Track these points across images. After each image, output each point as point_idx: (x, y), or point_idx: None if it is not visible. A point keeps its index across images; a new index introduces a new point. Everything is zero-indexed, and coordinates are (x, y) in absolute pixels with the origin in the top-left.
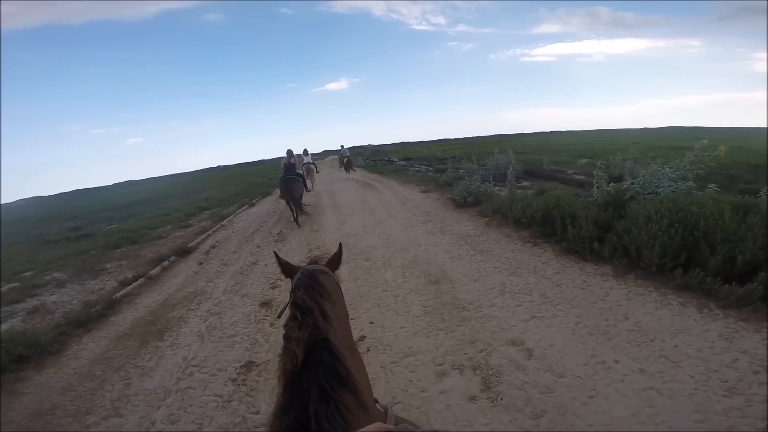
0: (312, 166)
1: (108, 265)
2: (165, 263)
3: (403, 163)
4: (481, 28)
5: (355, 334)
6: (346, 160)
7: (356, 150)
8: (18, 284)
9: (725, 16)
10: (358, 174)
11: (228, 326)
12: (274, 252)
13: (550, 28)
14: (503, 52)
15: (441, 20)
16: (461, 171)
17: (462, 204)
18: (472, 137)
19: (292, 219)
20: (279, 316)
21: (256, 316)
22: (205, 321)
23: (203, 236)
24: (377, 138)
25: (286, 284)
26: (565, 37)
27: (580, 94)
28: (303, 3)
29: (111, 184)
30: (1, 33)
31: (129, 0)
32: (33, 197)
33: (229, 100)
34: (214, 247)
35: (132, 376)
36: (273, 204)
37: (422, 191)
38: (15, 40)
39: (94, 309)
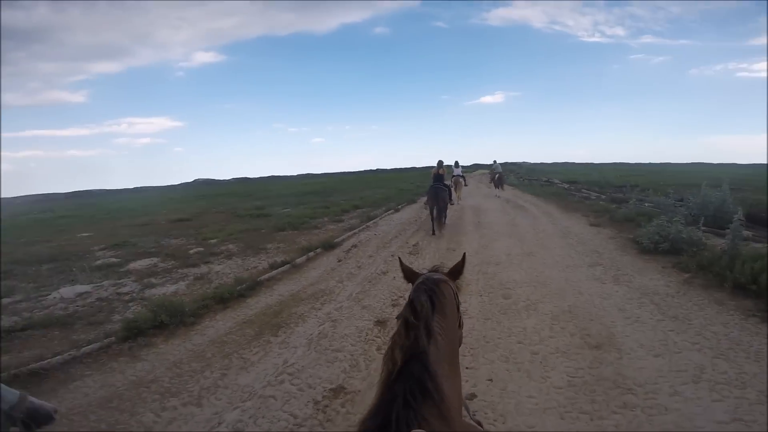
0: (461, 178)
1: (269, 246)
2: (311, 254)
3: (566, 186)
4: (676, 39)
5: (466, 388)
6: (497, 176)
7: (509, 167)
8: (202, 249)
9: None
10: (509, 193)
11: (338, 338)
12: (399, 258)
13: None
14: (709, 66)
15: (619, 31)
16: (646, 204)
17: (650, 249)
18: (658, 163)
19: (431, 230)
20: (398, 318)
21: (367, 335)
22: (320, 325)
23: (349, 234)
24: (534, 155)
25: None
26: None
27: None
28: (456, 16)
29: (296, 174)
30: (222, 45)
31: (319, 13)
32: (242, 177)
33: (391, 108)
34: (355, 246)
35: (232, 367)
36: (416, 212)
37: (591, 224)
38: (239, 49)
39: (238, 288)
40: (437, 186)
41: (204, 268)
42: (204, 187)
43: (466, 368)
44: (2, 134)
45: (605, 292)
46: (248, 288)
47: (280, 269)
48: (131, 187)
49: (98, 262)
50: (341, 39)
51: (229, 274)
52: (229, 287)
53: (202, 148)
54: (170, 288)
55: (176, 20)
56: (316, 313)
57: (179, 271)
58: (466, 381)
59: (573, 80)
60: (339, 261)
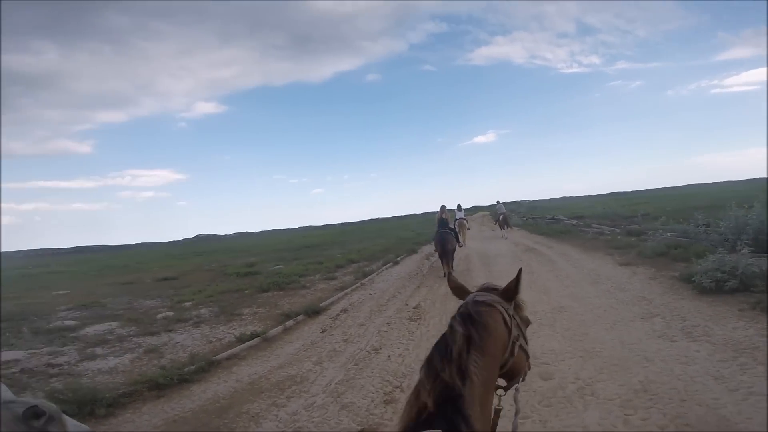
0: (464, 221)
1: (246, 311)
2: (290, 323)
3: (574, 222)
4: (647, 63)
5: None
6: (501, 216)
7: (509, 206)
8: (171, 314)
9: None
10: (517, 235)
11: None
12: (449, 273)
13: (738, 53)
14: (684, 86)
15: (595, 60)
16: (669, 234)
17: (710, 289)
18: (656, 188)
19: (443, 274)
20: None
21: None
22: None
23: (340, 294)
24: (532, 193)
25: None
26: (763, 62)
27: None
28: (442, 58)
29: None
30: (222, 95)
31: (312, 62)
32: (243, 232)
33: (388, 155)
34: (345, 311)
35: None
36: (416, 264)
37: (620, 263)
38: (239, 99)
39: (186, 369)
40: (443, 231)
41: (163, 338)
42: (204, 243)
43: None
44: (7, 185)
45: (683, 355)
46: (199, 370)
47: (247, 344)
48: (132, 243)
49: (53, 324)
50: (336, 87)
51: (188, 347)
52: (171, 369)
53: (204, 201)
54: (111, 362)
55: (178, 69)
56: (277, 413)
57: (134, 339)
58: None
59: (559, 112)
60: (323, 331)
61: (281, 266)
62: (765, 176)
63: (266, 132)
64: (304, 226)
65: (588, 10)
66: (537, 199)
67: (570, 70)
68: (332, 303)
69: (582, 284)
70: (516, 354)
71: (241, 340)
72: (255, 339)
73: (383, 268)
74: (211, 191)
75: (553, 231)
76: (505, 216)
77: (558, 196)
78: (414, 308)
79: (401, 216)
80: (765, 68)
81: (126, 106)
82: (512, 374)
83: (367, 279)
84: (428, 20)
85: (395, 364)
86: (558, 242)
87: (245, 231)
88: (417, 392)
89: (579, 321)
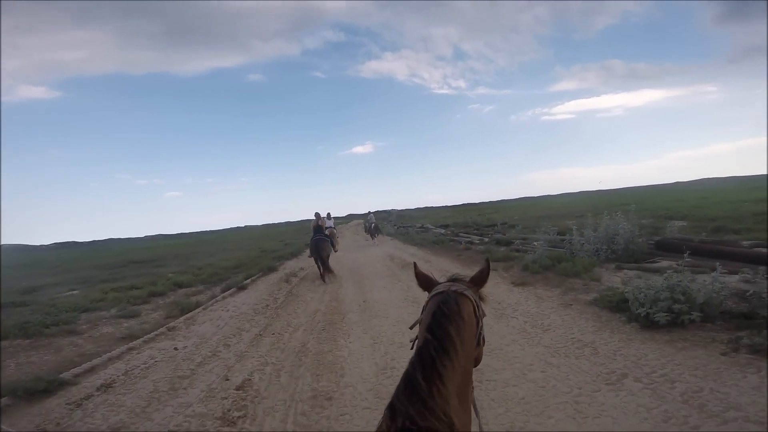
0: (334, 230)
1: None
2: None
3: (442, 231)
4: (501, 90)
5: None
6: (373, 225)
7: (380, 215)
8: None
9: (734, 59)
10: (391, 246)
11: None
12: (414, 263)
13: (567, 85)
14: (523, 112)
15: (462, 83)
16: (535, 243)
17: (660, 323)
18: (498, 201)
19: (320, 276)
20: (412, 328)
21: None
22: None
23: (123, 348)
24: (400, 202)
25: None
26: (583, 93)
27: (604, 150)
28: (334, 67)
29: (143, 235)
30: (58, 79)
31: (187, 54)
32: (67, 242)
33: (264, 160)
34: (106, 389)
35: None
36: (271, 289)
37: (515, 284)
38: (79, 87)
39: None
40: (318, 238)
41: None
42: (9, 255)
43: None
44: None
45: None
46: None
47: None
48: None
49: None
50: (209, 84)
51: None
52: None
53: (12, 205)
54: None
55: (7, 47)
56: None
57: None
58: None
59: (427, 129)
60: None
61: (77, 291)
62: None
63: (110, 125)
64: (153, 234)
65: (466, 37)
66: (404, 208)
67: (441, 91)
68: (95, 368)
69: (493, 326)
70: (484, 343)
71: None
72: None
73: (219, 297)
74: (21, 191)
75: (425, 241)
76: (376, 225)
77: (422, 206)
78: (238, 390)
79: (274, 224)
80: (583, 99)
81: None
82: (475, 363)
83: (185, 318)
84: (329, 28)
85: None
86: (434, 254)
87: (70, 240)
88: (392, 409)
89: (518, 400)
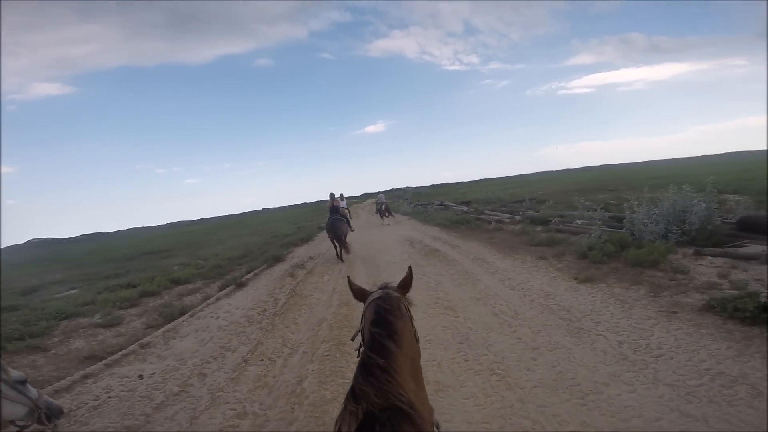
0: (346, 210)
1: None
2: None
3: (464, 208)
4: (514, 64)
5: None
6: (383, 206)
7: (395, 192)
8: None
9: (762, 32)
10: (408, 227)
11: None
12: (348, 277)
13: (584, 59)
14: (539, 86)
15: (474, 59)
16: (579, 222)
17: None
18: (516, 175)
19: (336, 255)
20: (353, 339)
21: None
22: None
23: (68, 381)
24: (415, 180)
25: None
26: (601, 67)
27: (624, 124)
28: (342, 48)
29: (165, 223)
30: (70, 75)
31: (194, 43)
32: (94, 233)
33: (278, 143)
34: None
35: None
36: (272, 286)
37: (578, 279)
38: (93, 80)
39: None
40: (334, 218)
41: None
42: (36, 250)
43: None
44: None
45: None
46: None
47: None
48: None
49: None
50: (219, 71)
51: None
52: None
53: (40, 199)
54: None
55: (13, 45)
56: None
57: None
58: None
59: (439, 106)
60: None
61: (75, 291)
62: (596, 164)
63: (127, 117)
64: (174, 221)
65: (476, 11)
66: (420, 185)
67: (452, 67)
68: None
69: (573, 350)
70: (418, 339)
71: None
72: None
73: (214, 297)
74: (49, 186)
75: (446, 221)
76: (387, 206)
77: (437, 183)
78: None
79: (291, 206)
80: (602, 73)
81: None
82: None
83: (164, 329)
84: (333, 8)
85: None
86: (460, 237)
87: (97, 232)
88: (347, 407)
89: None
